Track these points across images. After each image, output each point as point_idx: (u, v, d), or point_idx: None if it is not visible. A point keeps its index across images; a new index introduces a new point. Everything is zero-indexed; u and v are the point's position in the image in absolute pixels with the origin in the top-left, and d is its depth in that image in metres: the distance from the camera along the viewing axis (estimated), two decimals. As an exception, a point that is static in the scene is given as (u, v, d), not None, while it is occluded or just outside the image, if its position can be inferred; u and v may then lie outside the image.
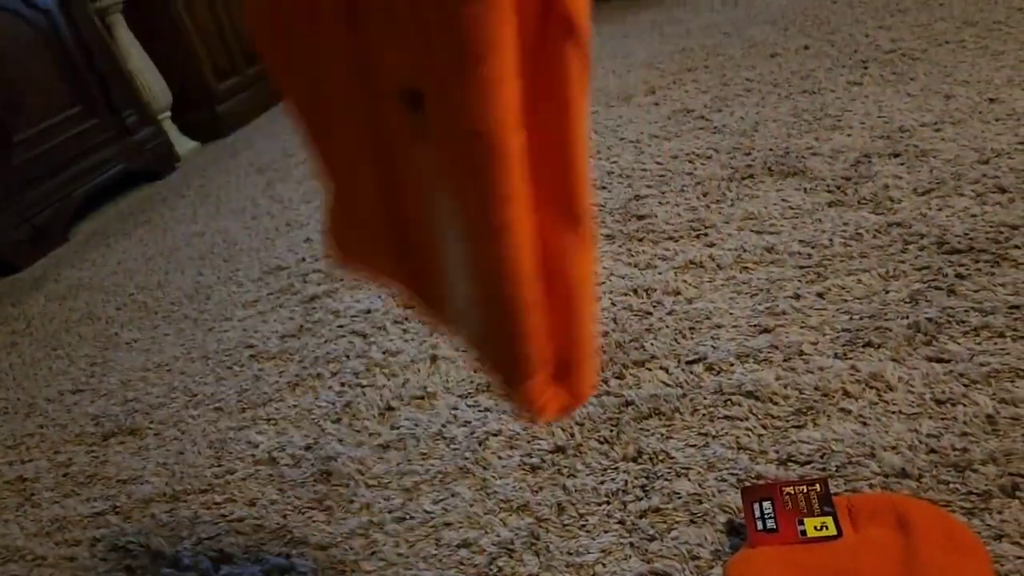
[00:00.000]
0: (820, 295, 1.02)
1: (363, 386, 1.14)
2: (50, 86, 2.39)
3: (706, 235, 1.25)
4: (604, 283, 1.21)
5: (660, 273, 1.18)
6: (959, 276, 0.97)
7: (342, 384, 1.17)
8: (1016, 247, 0.98)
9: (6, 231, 2.21)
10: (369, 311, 1.35)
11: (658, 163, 1.56)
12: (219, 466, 1.07)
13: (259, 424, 1.14)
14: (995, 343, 0.85)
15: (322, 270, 1.57)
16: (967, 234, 1.04)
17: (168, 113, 2.94)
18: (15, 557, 1.02)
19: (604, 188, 1.53)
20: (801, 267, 1.09)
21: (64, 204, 2.39)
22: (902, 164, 1.26)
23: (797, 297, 1.03)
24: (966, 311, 0.91)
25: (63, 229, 2.38)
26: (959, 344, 0.87)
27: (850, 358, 0.90)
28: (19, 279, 2.17)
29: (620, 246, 1.30)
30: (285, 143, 2.66)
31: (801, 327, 0.97)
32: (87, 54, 2.50)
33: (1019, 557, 0.64)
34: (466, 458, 0.94)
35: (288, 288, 1.55)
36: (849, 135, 1.42)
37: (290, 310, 1.45)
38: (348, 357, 1.23)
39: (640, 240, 1.30)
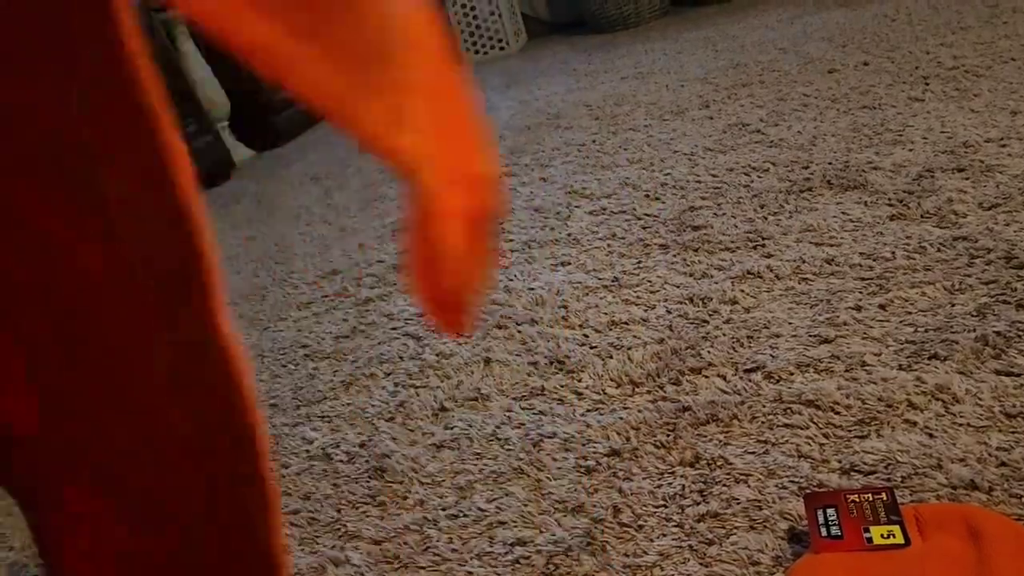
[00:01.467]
0: (882, 307, 1.00)
1: (416, 387, 1.15)
2: (116, 93, 2.47)
3: (763, 246, 1.24)
4: (658, 291, 1.20)
5: (716, 283, 1.17)
6: (1029, 290, 0.95)
7: (396, 384, 1.18)
8: (1089, 262, 0.96)
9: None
10: (423, 314, 1.36)
11: (713, 175, 1.56)
12: (273, 460, 1.08)
13: (313, 421, 1.15)
14: (1068, 358, 0.83)
15: (376, 275, 1.59)
16: (1037, 249, 1.01)
17: (226, 122, 3.02)
18: None
19: (657, 199, 1.53)
20: (863, 279, 1.07)
21: (125, 207, 2.46)
22: (967, 179, 1.24)
23: (858, 309, 1.02)
24: (1037, 325, 0.89)
25: (123, 231, 2.45)
26: (1030, 358, 0.85)
27: (915, 370, 0.88)
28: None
29: (675, 256, 1.29)
30: (340, 153, 2.71)
31: (863, 338, 0.96)
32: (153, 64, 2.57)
33: (1097, 573, 0.62)
34: (520, 459, 0.94)
35: (342, 291, 1.57)
36: (911, 150, 1.40)
37: (344, 312, 1.47)
38: (401, 358, 1.24)
39: (695, 250, 1.29)
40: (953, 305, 0.97)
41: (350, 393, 1.20)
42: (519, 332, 1.21)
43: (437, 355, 1.22)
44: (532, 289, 1.33)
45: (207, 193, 2.75)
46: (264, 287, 1.72)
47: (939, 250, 1.08)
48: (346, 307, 1.49)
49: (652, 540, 0.77)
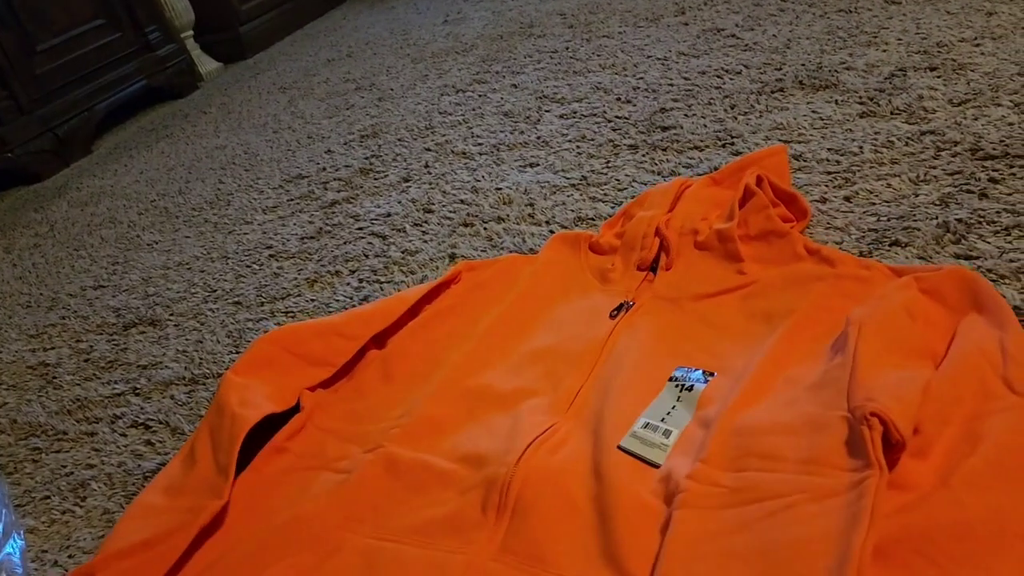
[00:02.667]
0: (847, 199, 1.00)
1: (381, 282, 1.14)
2: (72, -4, 2.37)
3: (732, 144, 1.23)
4: (625, 189, 1.19)
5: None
6: (992, 180, 0.94)
7: (360, 280, 1.17)
8: (1054, 152, 0.96)
9: (29, 140, 2.21)
10: (389, 214, 1.34)
11: (685, 79, 1.53)
12: (237, 352, 1.07)
13: (277, 316, 1.14)
14: (1027, 241, 0.83)
15: (342, 179, 1.56)
16: (1002, 141, 1.01)
17: (191, 32, 2.92)
18: (37, 432, 1.04)
19: (628, 102, 1.50)
20: (829, 173, 1.07)
21: (87, 116, 2.39)
22: (939, 77, 1.23)
23: (824, 201, 1.01)
24: (997, 212, 0.89)
25: (86, 141, 2.38)
26: (988, 243, 0.85)
27: (875, 256, 0.88)
28: (42, 187, 2.18)
29: (644, 155, 1.28)
30: (307, 63, 2.63)
31: (826, 228, 0.96)
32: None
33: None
34: (483, 346, 0.94)
35: (308, 195, 1.54)
36: (885, 51, 1.38)
37: (310, 215, 1.45)
38: (367, 256, 1.23)
39: (664, 150, 1.28)
40: (917, 195, 0.97)
41: (314, 290, 1.19)
42: (485, 229, 1.19)
43: (403, 252, 1.21)
44: (499, 189, 1.31)
45: (173, 104, 2.68)
46: (230, 193, 1.69)
47: (906, 144, 1.08)
48: (312, 210, 1.47)
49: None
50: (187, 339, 1.15)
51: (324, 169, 1.65)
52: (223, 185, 1.74)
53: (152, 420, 0.98)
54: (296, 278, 1.23)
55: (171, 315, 1.24)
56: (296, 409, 0.85)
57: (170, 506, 0.75)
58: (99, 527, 0.84)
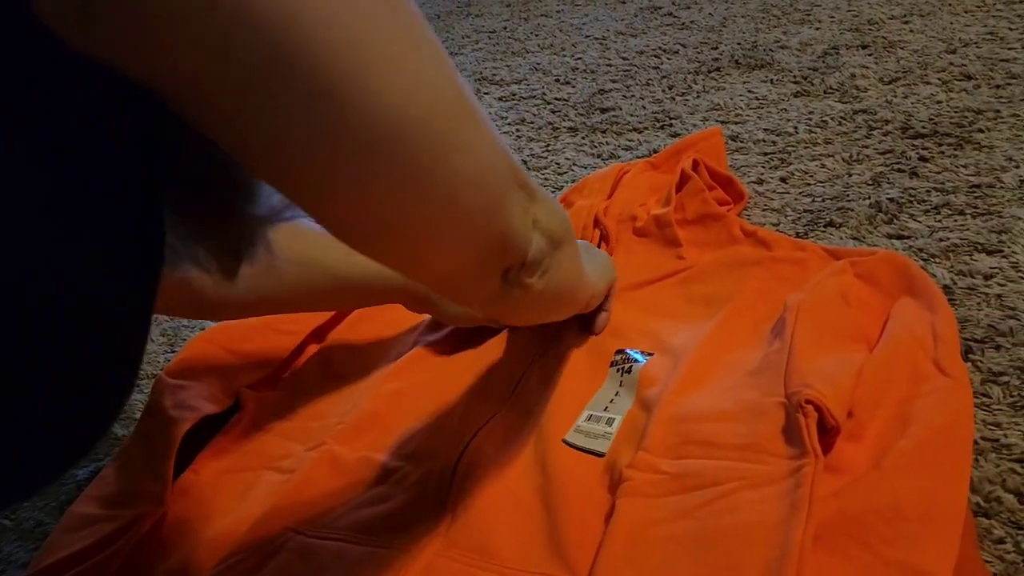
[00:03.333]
0: (783, 180, 1.01)
1: (320, 273, 1.12)
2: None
3: (671, 125, 1.23)
4: (566, 173, 1.19)
5: (623, 162, 1.16)
6: (922, 159, 0.96)
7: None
8: (980, 131, 0.98)
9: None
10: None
11: (623, 59, 1.53)
12: (172, 351, 1.04)
13: (214, 311, 1.11)
14: (955, 220, 0.85)
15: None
16: (932, 119, 1.03)
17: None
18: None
19: (567, 84, 1.50)
20: (765, 154, 1.08)
21: None
22: (870, 55, 1.25)
23: (761, 182, 1.02)
24: (927, 191, 0.91)
25: None
26: (919, 222, 0.87)
27: (811, 237, 0.90)
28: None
29: (583, 138, 1.28)
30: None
31: (764, 210, 0.97)
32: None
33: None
34: (425, 338, 0.93)
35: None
36: (818, 28, 1.40)
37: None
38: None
39: (604, 132, 1.28)
40: (850, 175, 0.98)
41: (251, 282, 1.16)
42: (425, 216, 1.18)
43: (342, 242, 1.18)
44: (439, 174, 1.29)
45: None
46: (160, 182, 1.63)
47: (840, 123, 1.09)
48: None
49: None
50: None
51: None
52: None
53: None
54: (232, 271, 1.20)
55: (102, 312, 1.20)
56: (236, 409, 0.84)
57: (106, 515, 0.73)
58: (32, 540, 0.81)
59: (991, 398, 0.64)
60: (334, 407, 0.81)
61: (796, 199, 0.97)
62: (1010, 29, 1.19)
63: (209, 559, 0.66)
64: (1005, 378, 0.66)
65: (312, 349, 0.91)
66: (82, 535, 0.71)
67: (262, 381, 0.87)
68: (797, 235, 0.91)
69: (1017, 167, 0.90)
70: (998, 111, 1.01)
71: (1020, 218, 0.82)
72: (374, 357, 0.86)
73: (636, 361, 0.72)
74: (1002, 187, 0.88)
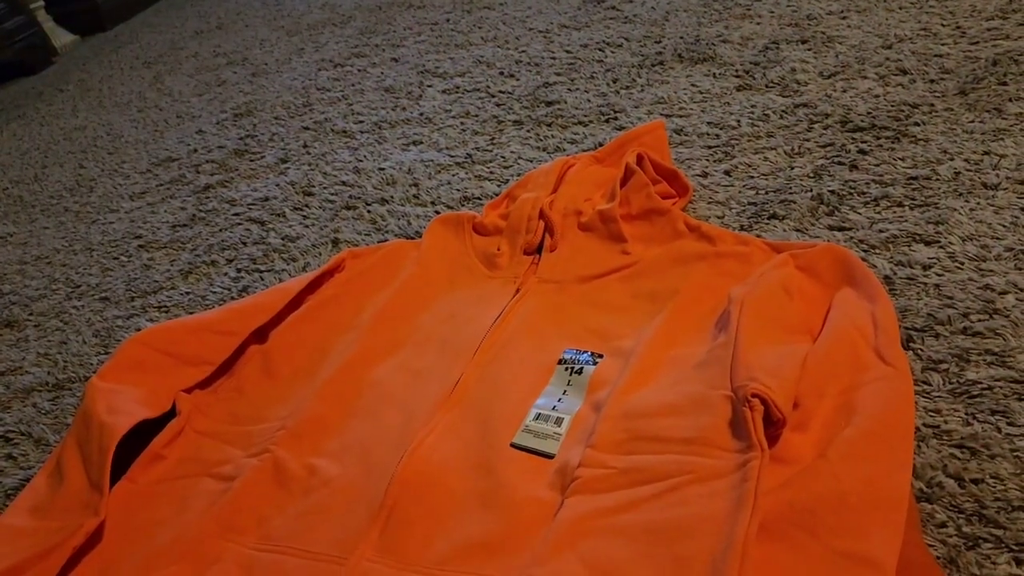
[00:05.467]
0: (727, 172, 1.02)
1: (261, 271, 1.09)
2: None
3: (615, 119, 1.23)
4: (511, 166, 1.18)
5: (569, 156, 1.15)
6: (861, 152, 0.98)
7: (239, 270, 1.11)
8: (916, 124, 1.00)
9: None
10: (267, 199, 1.29)
11: (567, 52, 1.52)
12: (106, 353, 1.01)
13: (149, 312, 1.07)
14: (893, 211, 0.87)
15: (216, 161, 1.48)
16: (870, 113, 1.05)
17: (42, 2, 2.71)
18: None
19: (512, 76, 1.49)
20: (709, 147, 1.08)
21: (-75, 97, 2.18)
22: (809, 50, 1.26)
23: (705, 175, 1.03)
24: (867, 183, 0.92)
25: (-74, 124, 2.18)
26: (859, 213, 0.88)
27: (755, 230, 0.90)
28: None
29: (528, 131, 1.27)
30: (174, 36, 2.49)
31: (708, 203, 0.97)
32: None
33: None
34: (370, 336, 0.91)
35: (179, 179, 1.46)
36: (759, 23, 1.41)
37: (181, 200, 1.37)
38: (245, 244, 1.17)
39: (549, 125, 1.27)
40: (792, 168, 0.99)
41: (189, 282, 1.12)
42: (368, 212, 1.16)
43: (283, 239, 1.16)
44: (382, 169, 1.27)
45: (24, 82, 2.48)
46: (92, 179, 1.58)
47: (781, 117, 1.10)
48: (183, 195, 1.39)
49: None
50: (49, 341, 1.07)
51: (195, 151, 1.56)
52: (84, 170, 1.63)
53: (12, 432, 0.91)
54: (169, 270, 1.16)
55: (30, 315, 1.15)
56: (172, 414, 0.81)
57: (38, 527, 0.69)
58: (-46, 555, 0.77)
59: (931, 385, 0.66)
60: (276, 410, 0.79)
61: (740, 192, 0.98)
62: (943, 25, 1.22)
63: (146, 571, 0.64)
64: (944, 365, 0.67)
65: (254, 350, 0.88)
66: (13, 548, 0.67)
67: (200, 384, 0.84)
68: (742, 227, 0.91)
69: (952, 159, 0.92)
70: (933, 105, 1.03)
71: (956, 209, 0.84)
72: (317, 358, 0.84)
73: (586, 363, 0.72)
74: (938, 179, 0.89)
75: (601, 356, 0.72)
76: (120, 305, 1.11)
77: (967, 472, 0.58)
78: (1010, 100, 0.99)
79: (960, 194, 0.86)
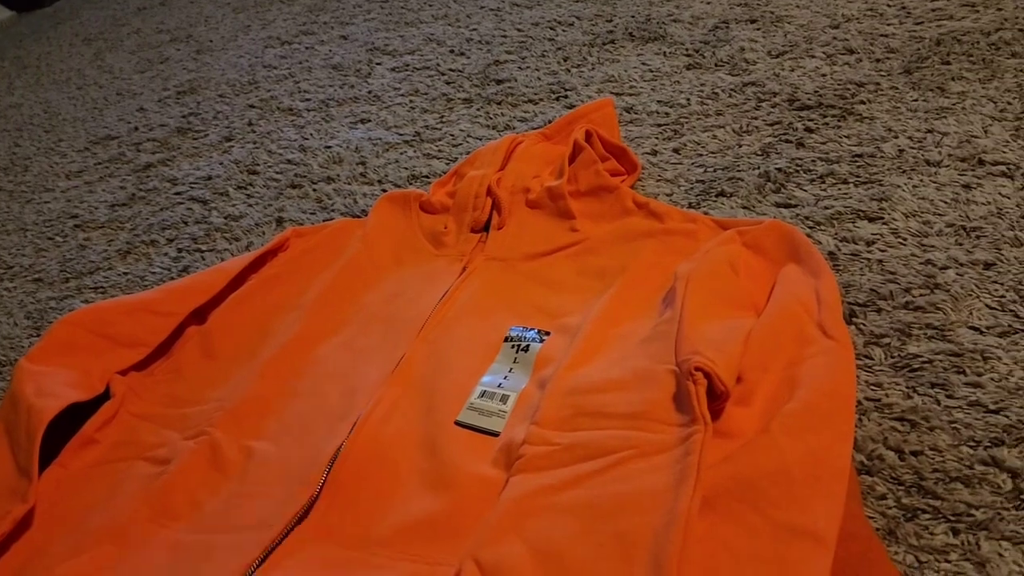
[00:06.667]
0: (676, 151, 1.02)
1: (202, 251, 1.06)
2: None
3: (566, 97, 1.22)
4: (460, 145, 1.16)
5: (518, 133, 1.14)
6: (808, 130, 0.98)
7: (179, 250, 1.08)
8: (861, 102, 1.01)
9: None
10: (210, 177, 1.25)
11: (519, 30, 1.51)
12: (38, 336, 0.97)
13: (85, 293, 1.04)
14: (838, 188, 0.87)
15: (157, 139, 1.44)
16: (817, 92, 1.05)
17: (-25, -25, 2.60)
18: None
19: (462, 55, 1.46)
20: (659, 125, 1.08)
21: None
22: (758, 29, 1.27)
23: (655, 153, 1.02)
24: (813, 161, 0.92)
25: None
26: (805, 191, 0.88)
27: (703, 207, 0.90)
28: None
29: (478, 109, 1.25)
30: (115, 12, 2.41)
31: (657, 180, 0.97)
32: None
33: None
34: (314, 316, 0.89)
35: (119, 157, 1.41)
36: (708, 3, 1.41)
37: (121, 179, 1.33)
38: (186, 223, 1.14)
39: (499, 103, 1.25)
40: (740, 146, 0.99)
41: (127, 262, 1.09)
42: (314, 190, 1.13)
43: (225, 218, 1.12)
44: (329, 147, 1.24)
45: (-43, 58, 2.38)
46: (27, 157, 1.52)
47: (730, 95, 1.10)
48: (123, 174, 1.34)
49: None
50: (-22, 324, 1.03)
51: (136, 129, 1.51)
52: (19, 148, 1.57)
53: (-63, 418, 0.87)
54: (106, 250, 1.12)
55: (-41, 297, 1.10)
56: (107, 396, 0.78)
57: None
58: None
59: (873, 359, 0.66)
60: (214, 392, 0.76)
61: (689, 169, 0.97)
62: (888, 6, 1.23)
63: (75, 554, 0.61)
64: (886, 340, 0.67)
65: (192, 331, 0.85)
66: None
67: (136, 367, 0.81)
68: (690, 205, 0.91)
69: (896, 137, 0.93)
70: (878, 84, 1.04)
71: (899, 186, 0.85)
72: (258, 338, 0.81)
73: (533, 341, 0.71)
74: (882, 156, 0.90)
75: (548, 333, 0.72)
76: (54, 286, 1.07)
77: (907, 444, 0.58)
78: (953, 79, 1.00)
79: (903, 171, 0.87)
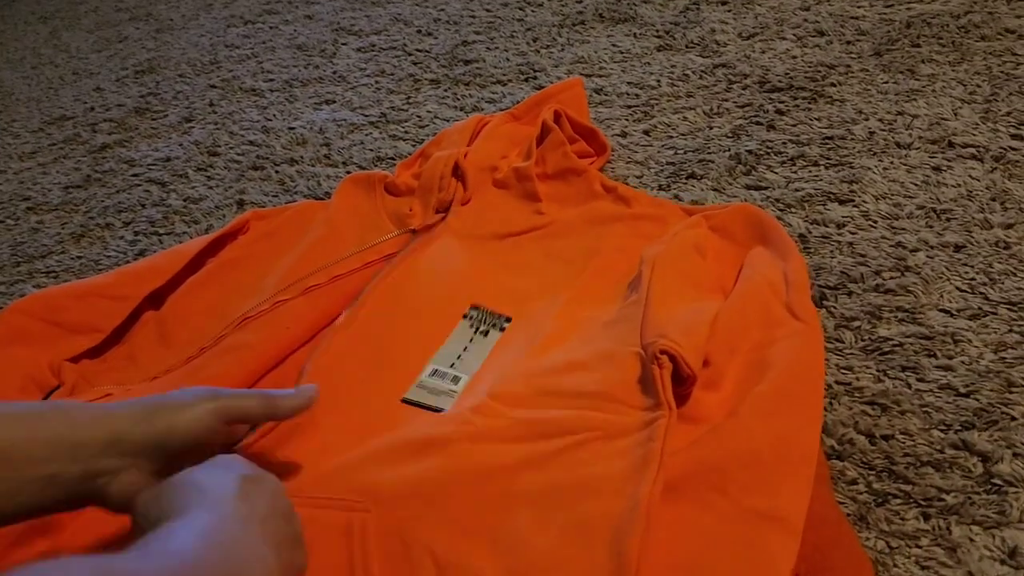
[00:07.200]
0: (647, 132, 1.00)
1: (160, 234, 1.03)
2: None
3: (535, 78, 1.20)
4: (427, 126, 1.13)
5: (485, 115, 1.12)
6: (779, 112, 0.97)
7: (136, 233, 1.04)
8: (832, 84, 1.00)
9: None
10: (169, 159, 1.21)
11: (487, 10, 1.48)
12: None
13: (37, 277, 1.00)
14: (809, 171, 0.86)
15: (114, 120, 1.39)
16: (787, 74, 1.04)
17: (-75, -50, 2.51)
18: None
19: (429, 35, 1.44)
20: (629, 107, 1.06)
21: None
22: (729, 11, 1.25)
23: (624, 135, 1.00)
24: (783, 143, 0.91)
25: None
26: (776, 173, 0.87)
27: (673, 189, 0.89)
28: None
29: (446, 90, 1.22)
30: (73, -10, 2.34)
31: (627, 162, 0.95)
32: None
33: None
34: (275, 301, 0.86)
35: (74, 138, 1.36)
36: (679, -16, 1.39)
37: (76, 160, 1.28)
38: (143, 206, 1.10)
39: (467, 84, 1.23)
40: (711, 128, 0.98)
41: (81, 245, 1.05)
42: (277, 172, 1.10)
43: (185, 200, 1.09)
44: (292, 128, 1.21)
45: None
46: (-22, 138, 1.47)
47: (701, 77, 1.09)
48: (78, 155, 1.30)
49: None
50: (-76, 310, 0.99)
51: (93, 109, 1.47)
52: (-30, 129, 1.52)
53: None
54: (60, 233, 1.08)
55: (-96, 283, 1.06)
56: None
57: None
58: None
59: (843, 343, 0.65)
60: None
61: (659, 151, 0.96)
62: (859, -12, 1.22)
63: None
64: (857, 323, 0.66)
65: (149, 316, 0.83)
66: None
67: (88, 353, 0.78)
68: (660, 187, 0.90)
69: (867, 119, 0.92)
70: (849, 66, 1.03)
71: (870, 168, 0.84)
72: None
73: (493, 326, 0.69)
74: (853, 139, 0.89)
75: (509, 320, 0.70)
76: (4, 271, 1.03)
77: (877, 428, 0.58)
78: (923, 62, 1.00)
79: (874, 153, 0.86)
